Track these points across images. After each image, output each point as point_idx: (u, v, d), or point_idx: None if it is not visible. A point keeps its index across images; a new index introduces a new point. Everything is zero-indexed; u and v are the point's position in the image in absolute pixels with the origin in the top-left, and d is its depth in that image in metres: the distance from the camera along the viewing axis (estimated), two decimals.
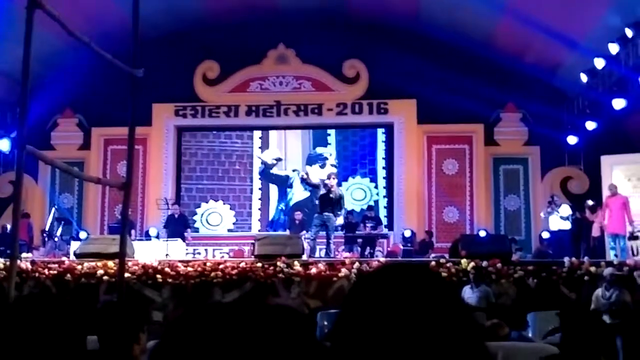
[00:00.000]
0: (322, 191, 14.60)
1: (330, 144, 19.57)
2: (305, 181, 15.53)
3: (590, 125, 16.77)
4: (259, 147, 19.55)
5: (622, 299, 10.39)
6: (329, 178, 15.50)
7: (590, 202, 15.53)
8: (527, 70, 17.68)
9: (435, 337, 1.17)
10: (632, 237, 14.23)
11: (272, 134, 19.67)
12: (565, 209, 15.59)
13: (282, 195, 19.41)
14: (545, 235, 16.24)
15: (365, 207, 18.26)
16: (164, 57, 17.64)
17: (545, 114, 17.59)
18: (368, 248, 16.07)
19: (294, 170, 19.17)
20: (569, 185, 18.05)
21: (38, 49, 4.81)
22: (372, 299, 1.22)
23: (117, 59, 5.66)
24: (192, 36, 18.68)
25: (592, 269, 11.97)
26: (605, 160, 16.49)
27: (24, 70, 4.56)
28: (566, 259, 12.34)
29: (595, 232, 15.04)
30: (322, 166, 19.26)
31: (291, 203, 19.07)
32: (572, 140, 17.69)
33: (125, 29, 6.36)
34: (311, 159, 19.45)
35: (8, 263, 6.36)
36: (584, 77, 16.33)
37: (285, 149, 19.69)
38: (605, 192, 15.20)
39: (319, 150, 19.57)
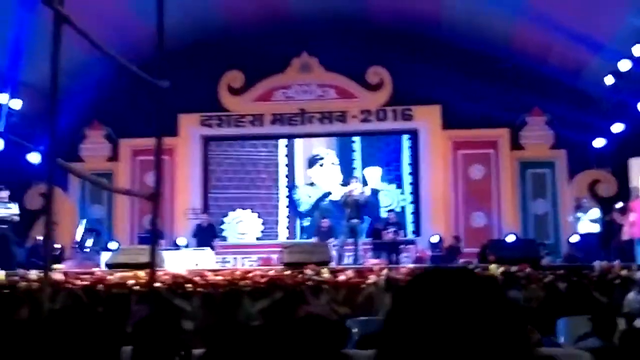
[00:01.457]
0: (350, 198, 14.61)
1: (355, 150, 19.60)
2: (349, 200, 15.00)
3: (617, 127, 16.63)
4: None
5: None
6: (350, 183, 15.51)
7: (619, 205, 15.38)
8: (551, 74, 17.58)
9: (485, 342, 1.16)
10: None
11: (298, 142, 19.73)
12: (595, 212, 15.46)
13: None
14: (575, 239, 16.10)
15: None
16: (189, 67, 17.76)
17: (571, 117, 17.46)
18: (393, 254, 16.00)
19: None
20: (597, 189, 17.89)
21: (64, 61, 4.87)
22: (419, 304, 1.20)
23: (142, 70, 5.72)
24: (216, 46, 18.80)
25: (624, 272, 11.85)
26: (634, 163, 16.33)
27: (53, 84, 4.62)
28: (597, 263, 12.23)
29: (625, 235, 14.89)
30: (322, 165, 19.41)
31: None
32: (599, 143, 17.55)
33: (150, 40, 6.42)
34: (311, 162, 19.54)
35: (42, 275, 6.42)
36: (609, 80, 16.20)
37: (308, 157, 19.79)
38: None
39: (315, 151, 19.64)
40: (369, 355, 5.16)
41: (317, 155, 19.63)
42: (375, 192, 16.39)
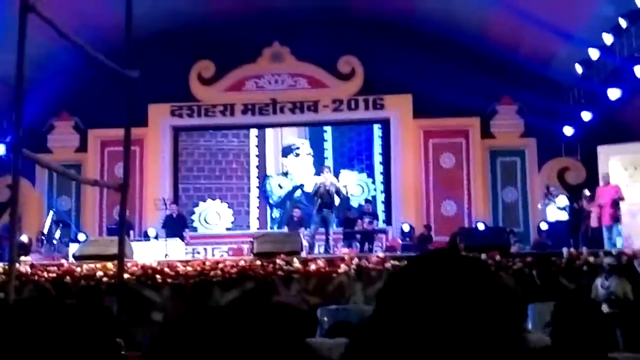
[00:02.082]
0: (320, 188, 14.61)
1: (326, 140, 19.60)
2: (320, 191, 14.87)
3: (586, 115, 16.80)
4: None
5: (621, 289, 10.40)
6: (322, 172, 15.49)
7: (587, 192, 15.54)
8: (522, 63, 17.68)
9: (480, 328, 1.12)
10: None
11: (269, 131, 19.67)
12: (563, 200, 15.61)
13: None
14: (544, 226, 16.26)
15: (363, 202, 18.27)
16: (159, 57, 17.60)
17: (541, 106, 17.60)
18: (367, 243, 16.07)
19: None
20: (566, 176, 18.07)
21: (31, 51, 4.80)
22: (414, 290, 1.15)
23: (112, 60, 5.66)
24: (186, 35, 18.65)
25: (591, 259, 11.98)
26: (602, 151, 16.50)
27: (19, 73, 4.55)
28: (565, 250, 12.35)
29: (593, 222, 15.05)
30: (297, 155, 19.40)
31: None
32: (568, 131, 17.71)
33: (121, 29, 6.34)
34: (285, 151, 19.53)
35: (7, 267, 6.35)
36: (578, 68, 16.35)
37: (282, 146, 19.72)
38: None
39: (290, 140, 19.62)
40: (338, 344, 5.17)
41: (293, 144, 19.59)
42: (346, 197, 16.28)
